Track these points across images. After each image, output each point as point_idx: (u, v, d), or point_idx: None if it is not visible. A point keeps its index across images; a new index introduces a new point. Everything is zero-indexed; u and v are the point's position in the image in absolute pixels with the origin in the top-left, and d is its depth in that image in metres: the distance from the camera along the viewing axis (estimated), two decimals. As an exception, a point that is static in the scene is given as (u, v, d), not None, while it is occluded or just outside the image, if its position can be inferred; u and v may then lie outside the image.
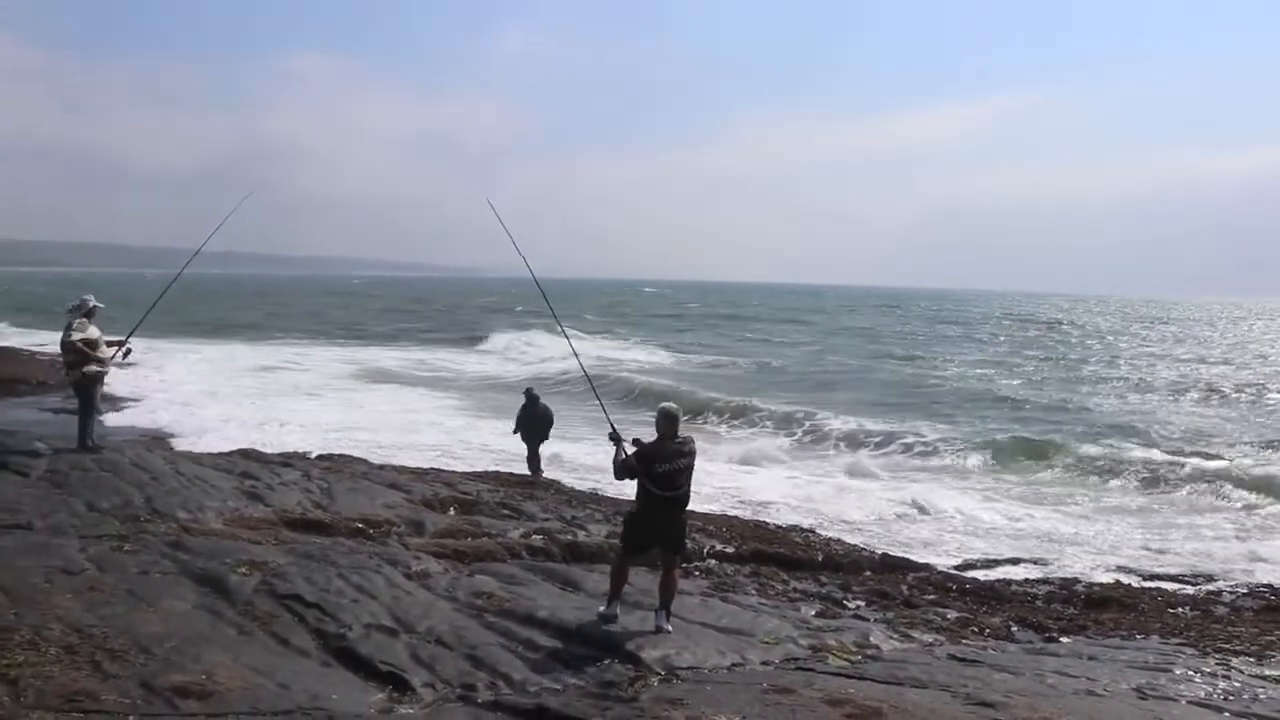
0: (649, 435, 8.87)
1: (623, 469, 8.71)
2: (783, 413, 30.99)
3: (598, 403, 11.59)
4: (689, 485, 8.73)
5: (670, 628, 8.54)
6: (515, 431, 19.34)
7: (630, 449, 8.76)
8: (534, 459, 19.18)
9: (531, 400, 19.23)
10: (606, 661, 7.84)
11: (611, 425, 9.20)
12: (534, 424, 19.10)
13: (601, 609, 8.80)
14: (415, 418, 28.90)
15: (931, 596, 12.50)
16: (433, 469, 18.37)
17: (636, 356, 53.36)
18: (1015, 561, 15.35)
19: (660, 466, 8.47)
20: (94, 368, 13.47)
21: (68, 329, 13.45)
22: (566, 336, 14.58)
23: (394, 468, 17.84)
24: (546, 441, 19.54)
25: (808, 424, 29.37)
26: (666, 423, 8.64)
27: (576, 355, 12.85)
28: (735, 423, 30.65)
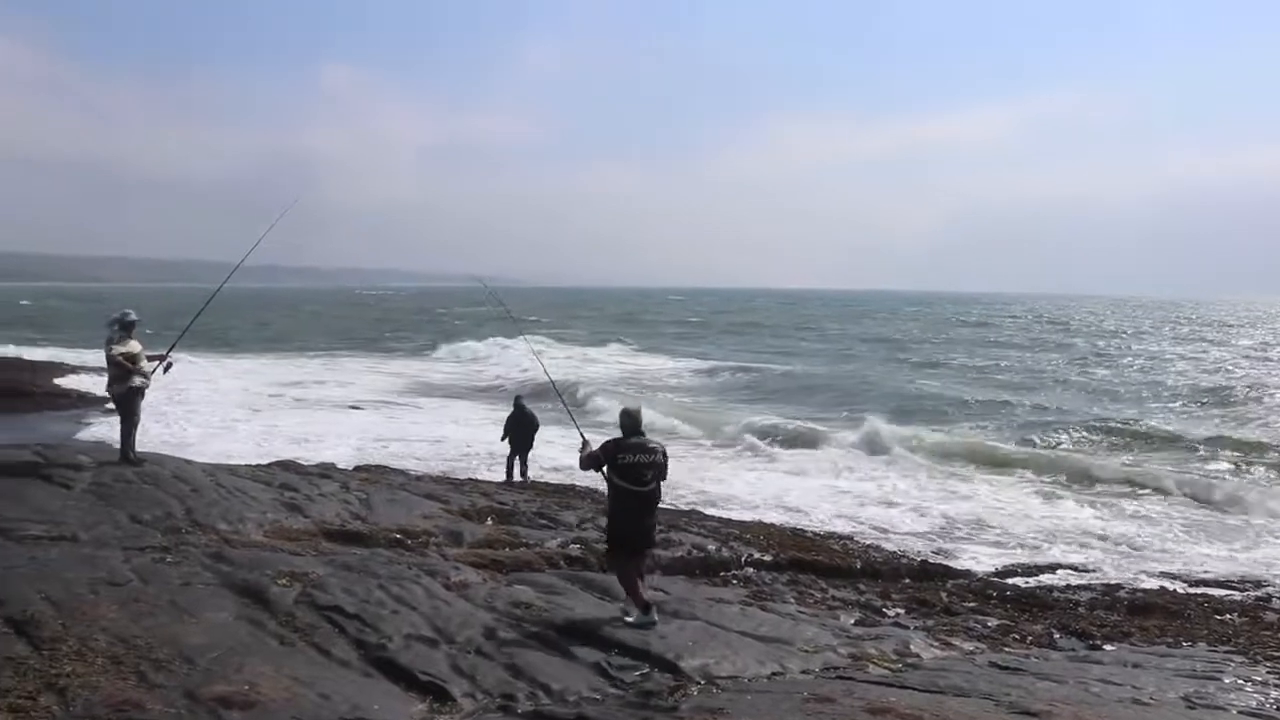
0: None
1: (588, 460, 9.16)
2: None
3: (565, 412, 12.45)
4: (658, 485, 9.05)
5: (645, 616, 8.81)
6: (504, 438, 20.28)
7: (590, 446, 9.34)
8: (516, 462, 20.16)
9: (519, 408, 20.33)
10: (646, 671, 7.82)
11: (578, 427, 10.47)
12: (521, 430, 20.06)
13: (630, 619, 8.91)
14: (443, 430, 29.01)
15: (972, 604, 12.41)
16: (469, 479, 18.45)
17: (667, 366, 53.43)
18: (1054, 568, 15.20)
19: (623, 457, 8.87)
20: (136, 381, 13.57)
21: (109, 343, 13.55)
22: (536, 353, 15.20)
23: (431, 478, 17.92)
24: (533, 448, 20.50)
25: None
26: (629, 420, 9.12)
27: (546, 371, 13.36)
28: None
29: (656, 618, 8.86)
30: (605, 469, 9.00)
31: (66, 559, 9.36)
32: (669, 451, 9.40)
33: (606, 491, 9.24)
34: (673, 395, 38.68)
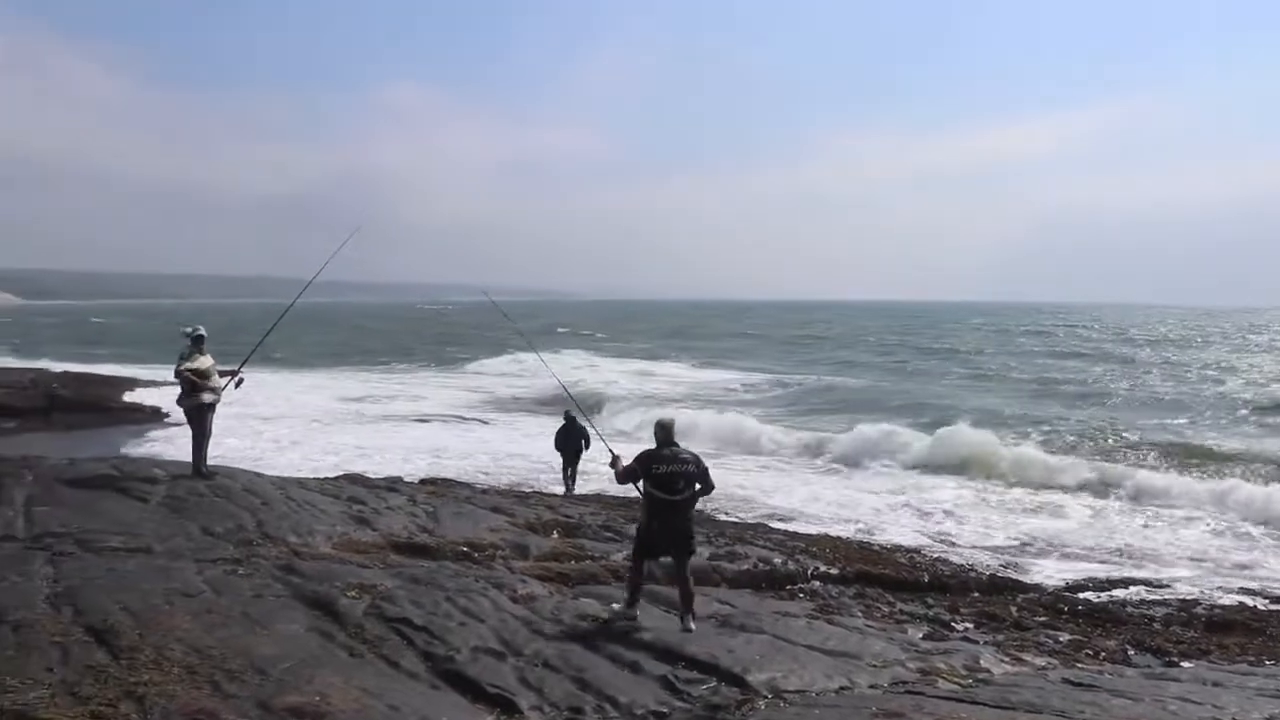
0: None
1: (625, 474, 9.43)
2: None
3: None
4: (691, 492, 9.24)
5: (694, 626, 9.09)
6: (558, 449, 21.00)
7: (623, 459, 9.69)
8: (570, 474, 20.88)
9: (569, 420, 20.94)
10: (713, 684, 7.78)
11: (606, 443, 11.11)
12: (570, 441, 20.70)
13: (616, 606, 9.48)
14: (508, 443, 29.17)
15: (1042, 618, 12.21)
16: (534, 492, 18.55)
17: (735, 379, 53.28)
18: (1127, 583, 14.88)
19: (657, 468, 9.12)
20: (206, 397, 13.81)
21: (180, 359, 13.81)
22: (545, 363, 15.61)
23: (496, 491, 18.04)
24: (583, 456, 20.93)
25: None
26: (662, 432, 9.38)
27: (564, 386, 13.33)
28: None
29: (638, 614, 9.22)
30: (640, 481, 9.28)
31: (142, 570, 9.56)
32: (707, 459, 9.69)
33: (641, 500, 9.47)
34: (741, 409, 38.41)
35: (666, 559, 9.64)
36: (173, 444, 23.22)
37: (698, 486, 9.30)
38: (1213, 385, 48.51)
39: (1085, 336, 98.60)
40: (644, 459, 9.26)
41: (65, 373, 37.12)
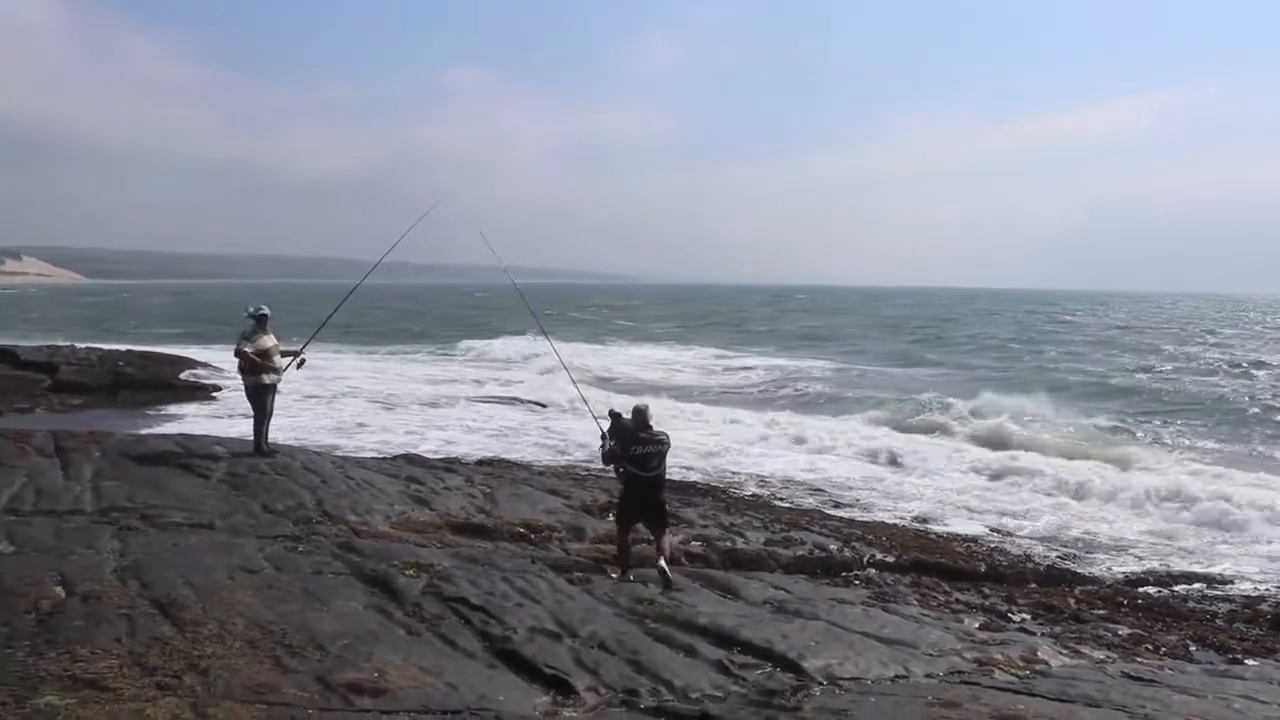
0: None
1: (608, 456, 10.95)
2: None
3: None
4: (663, 469, 10.52)
5: (670, 573, 10.19)
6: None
7: (610, 441, 11.11)
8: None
9: (614, 416, 20.37)
10: (768, 670, 7.78)
11: (601, 428, 11.90)
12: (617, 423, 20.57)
13: (615, 575, 10.44)
14: (564, 424, 29.19)
15: (1101, 611, 12.05)
16: (590, 474, 18.58)
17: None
18: (1190, 577, 14.57)
19: (635, 449, 10.33)
20: (269, 376, 13.98)
21: (242, 338, 13.98)
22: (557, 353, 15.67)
23: (553, 473, 18.11)
24: None
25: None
26: (638, 417, 10.57)
27: (573, 379, 13.44)
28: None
29: (631, 579, 10.29)
30: (623, 461, 10.49)
31: (205, 546, 9.75)
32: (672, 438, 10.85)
33: (619, 477, 10.83)
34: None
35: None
36: (233, 422, 23.53)
37: (667, 463, 10.61)
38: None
39: (1161, 325, 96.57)
40: (624, 444, 10.54)
41: (130, 351, 37.68)
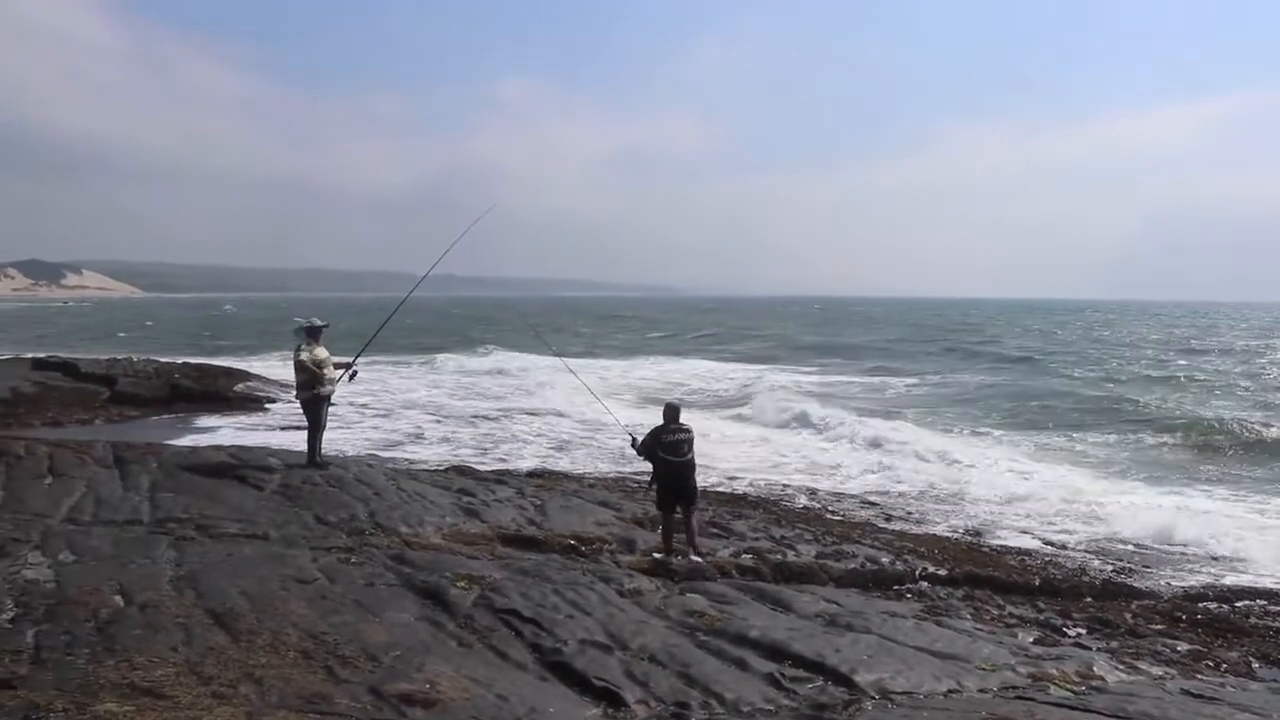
0: None
1: (643, 448, 12.34)
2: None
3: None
4: (692, 454, 12.23)
5: (698, 558, 11.99)
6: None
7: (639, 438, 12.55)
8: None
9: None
10: (820, 683, 7.71)
11: (629, 430, 13.53)
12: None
13: (659, 555, 12.17)
14: (615, 440, 29.14)
15: (1159, 626, 11.82)
16: (641, 486, 18.58)
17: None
18: (1252, 593, 14.26)
19: (666, 437, 12.04)
20: (324, 389, 14.12)
21: (297, 350, 14.14)
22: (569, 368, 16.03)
23: (604, 485, 18.13)
24: None
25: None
26: (670, 411, 12.35)
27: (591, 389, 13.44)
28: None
29: (685, 560, 11.91)
30: (656, 450, 12.07)
31: (259, 556, 9.85)
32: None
33: (653, 467, 12.33)
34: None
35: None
36: (286, 435, 23.80)
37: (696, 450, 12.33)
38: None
39: (1221, 333, 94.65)
40: (656, 431, 12.16)
41: (186, 364, 38.29)
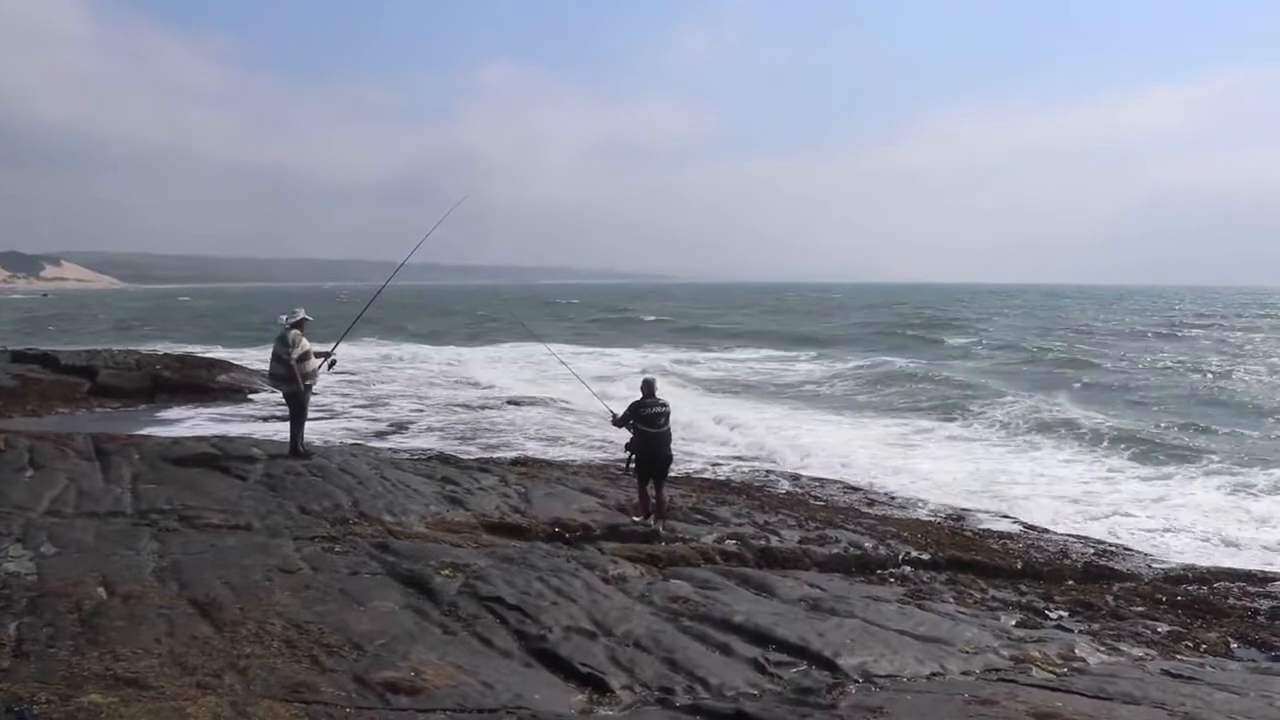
0: None
1: (621, 420, 13.01)
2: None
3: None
4: (668, 426, 12.99)
5: (663, 530, 12.84)
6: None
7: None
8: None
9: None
10: (804, 667, 7.77)
11: (610, 409, 14.16)
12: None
13: (636, 519, 13.15)
14: (598, 427, 29.17)
15: (1140, 608, 11.91)
16: (625, 474, 18.62)
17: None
18: (1230, 574, 14.39)
19: (644, 410, 12.80)
20: (305, 379, 14.08)
21: (280, 341, 14.11)
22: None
23: (588, 472, 18.14)
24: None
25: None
26: (647, 386, 13.16)
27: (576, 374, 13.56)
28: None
29: (654, 525, 12.86)
30: (632, 421, 12.76)
31: (243, 546, 9.84)
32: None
33: (631, 436, 12.86)
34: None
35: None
36: (268, 424, 23.72)
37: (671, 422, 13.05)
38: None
39: (1206, 318, 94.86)
40: (635, 405, 12.88)
41: (167, 355, 38.11)
